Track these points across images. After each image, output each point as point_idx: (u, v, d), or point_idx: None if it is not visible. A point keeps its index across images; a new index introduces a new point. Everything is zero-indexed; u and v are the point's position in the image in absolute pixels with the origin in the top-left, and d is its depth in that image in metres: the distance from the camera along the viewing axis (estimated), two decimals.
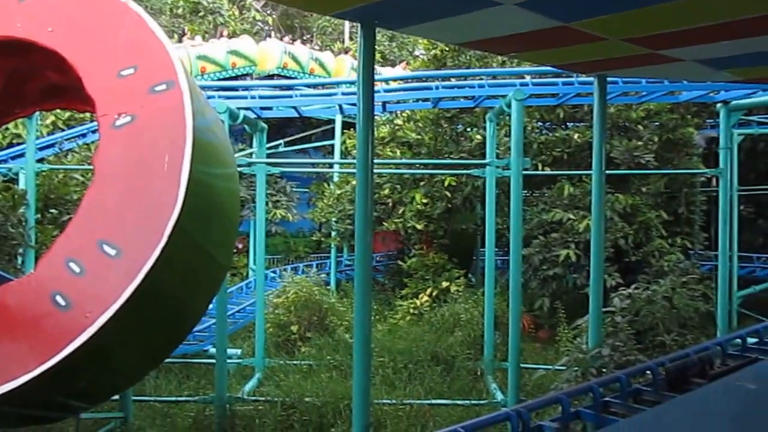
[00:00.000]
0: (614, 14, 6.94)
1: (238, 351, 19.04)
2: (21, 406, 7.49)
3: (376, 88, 13.05)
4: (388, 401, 14.40)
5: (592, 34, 7.62)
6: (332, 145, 31.22)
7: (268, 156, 24.23)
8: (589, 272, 11.47)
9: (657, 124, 22.68)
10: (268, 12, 47.62)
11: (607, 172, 13.03)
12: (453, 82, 20.30)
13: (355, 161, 8.51)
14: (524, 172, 15.11)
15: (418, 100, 20.91)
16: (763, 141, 28.49)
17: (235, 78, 32.34)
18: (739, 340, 9.35)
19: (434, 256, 24.06)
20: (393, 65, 40.33)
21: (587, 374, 10.63)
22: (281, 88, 24.19)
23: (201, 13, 40.65)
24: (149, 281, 6.92)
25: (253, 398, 14.98)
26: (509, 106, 15.27)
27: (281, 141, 33.66)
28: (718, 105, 18.43)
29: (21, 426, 10.74)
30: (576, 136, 22.41)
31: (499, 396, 15.18)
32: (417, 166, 23.93)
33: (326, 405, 13.82)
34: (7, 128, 22.48)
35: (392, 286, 25.99)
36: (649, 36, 7.83)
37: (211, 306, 13.02)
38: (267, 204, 23.39)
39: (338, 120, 29.46)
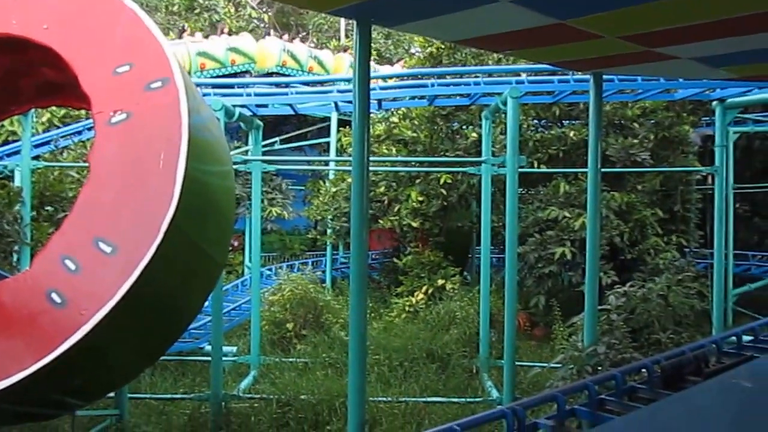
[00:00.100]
0: (610, 11, 6.94)
1: (234, 348, 19.05)
2: (17, 403, 7.49)
3: (371, 85, 13.05)
4: (384, 399, 14.39)
5: (588, 31, 7.62)
6: (328, 143, 31.21)
7: (264, 153, 24.21)
8: (585, 270, 11.49)
9: (653, 121, 22.72)
10: (264, 9, 47.58)
11: (603, 170, 13.02)
12: (449, 79, 20.28)
13: (350, 159, 8.50)
14: (520, 170, 15.09)
15: (413, 98, 20.90)
16: (758, 139, 28.55)
17: (234, 75, 32.36)
18: (734, 338, 9.36)
19: (430, 254, 24.06)
20: (391, 64, 40.35)
21: (583, 372, 10.64)
22: (277, 85, 24.15)
23: (197, 11, 40.62)
24: (145, 279, 6.91)
25: (249, 396, 14.97)
26: (505, 103, 15.26)
27: (277, 138, 33.70)
28: (714, 103, 18.46)
29: (17, 423, 10.75)
30: (572, 133, 22.43)
31: (495, 394, 15.17)
32: (413, 163, 23.94)
33: (322, 402, 13.82)
34: (2, 125, 22.45)
35: (388, 284, 25.99)
36: (645, 33, 7.83)
37: (206, 303, 13.01)
38: (262, 201, 23.45)
39: (334, 117, 29.45)
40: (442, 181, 23.20)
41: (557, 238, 20.10)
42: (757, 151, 29.43)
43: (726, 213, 20.05)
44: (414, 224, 23.85)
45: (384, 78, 25.06)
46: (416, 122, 24.79)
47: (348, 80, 21.18)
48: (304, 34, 45.34)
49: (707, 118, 24.80)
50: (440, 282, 22.58)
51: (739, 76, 11.12)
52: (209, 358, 15.26)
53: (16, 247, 16.17)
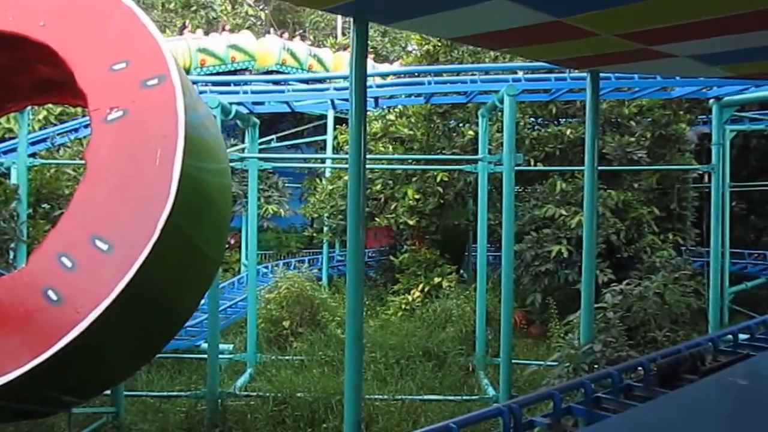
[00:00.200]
0: (607, 9, 6.93)
1: (230, 346, 19.06)
2: (13, 400, 7.48)
3: (368, 83, 13.05)
4: (380, 396, 14.39)
5: (585, 29, 7.61)
6: (324, 141, 31.24)
7: (261, 151, 24.22)
8: (581, 268, 11.47)
9: (649, 120, 22.74)
10: (261, 7, 47.56)
11: (600, 168, 13.06)
12: (445, 77, 20.30)
13: (347, 156, 8.50)
14: (516, 168, 15.10)
15: (410, 96, 20.93)
16: (755, 137, 28.60)
17: (235, 72, 32.36)
18: (730, 337, 9.35)
19: (426, 252, 24.08)
20: (388, 62, 40.34)
21: (579, 370, 10.63)
22: (274, 83, 24.15)
23: (193, 8, 40.59)
24: (141, 276, 6.91)
25: (245, 393, 14.97)
26: (502, 101, 15.26)
27: (273, 136, 33.71)
28: (711, 101, 18.45)
29: (13, 420, 10.76)
30: (568, 131, 22.45)
31: (491, 391, 15.19)
32: (409, 161, 23.95)
33: (318, 400, 13.82)
34: None
35: (384, 282, 26.04)
36: (642, 31, 7.83)
37: (203, 301, 13.00)
38: (259, 199, 23.40)
39: (330, 115, 29.44)
40: (438, 178, 23.21)
41: (554, 236, 20.11)
42: (753, 149, 29.47)
43: (722, 211, 20.08)
44: (410, 222, 23.86)
45: (382, 75, 25.03)
46: (413, 120, 24.82)
47: (344, 77, 21.16)
48: (301, 31, 45.29)
49: (704, 117, 24.85)
50: (437, 280, 22.60)
51: (735, 74, 11.12)
52: (206, 356, 15.26)
53: (12, 245, 16.18)
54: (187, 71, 30.20)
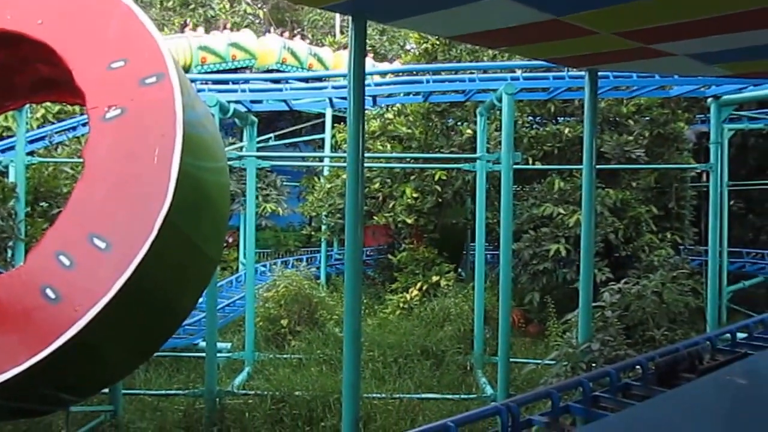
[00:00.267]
0: (606, 8, 6.93)
1: (228, 345, 19.05)
2: (10, 399, 7.48)
3: (366, 81, 13.03)
4: (378, 395, 14.39)
5: (583, 27, 7.61)
6: (322, 139, 31.24)
7: (259, 150, 24.21)
8: (579, 267, 11.46)
9: (647, 118, 22.74)
10: (259, 5, 47.54)
11: (598, 166, 13.06)
12: (444, 76, 20.29)
13: (345, 155, 8.48)
14: (515, 167, 15.10)
15: (408, 94, 20.91)
16: (753, 136, 28.62)
17: (235, 71, 32.36)
18: (728, 335, 9.36)
19: (424, 251, 24.06)
20: (386, 60, 40.34)
21: (577, 369, 10.64)
22: (272, 81, 24.14)
23: (191, 6, 40.56)
24: (139, 275, 6.91)
25: (243, 392, 14.97)
26: (500, 100, 15.26)
27: (271, 135, 33.71)
28: (709, 100, 18.44)
29: (11, 419, 10.76)
30: (567, 130, 22.44)
31: (489, 390, 15.19)
32: (407, 160, 23.94)
33: (316, 399, 13.82)
34: None
35: (382, 281, 26.02)
36: (640, 30, 7.83)
37: (201, 300, 13.00)
38: (257, 198, 23.38)
39: (328, 114, 29.46)
40: (436, 177, 23.19)
41: (552, 234, 20.12)
42: (751, 148, 29.49)
43: (720, 210, 20.09)
44: (408, 221, 23.85)
45: (381, 74, 25.02)
46: (411, 119, 24.80)
47: (343, 76, 21.13)
48: (300, 30, 45.27)
49: (702, 116, 24.84)
50: (435, 278, 22.59)
51: (734, 73, 11.12)
52: (203, 355, 15.25)
53: (10, 243, 16.19)
54: (188, 69, 30.25)
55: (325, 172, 28.88)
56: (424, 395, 14.70)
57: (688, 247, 23.49)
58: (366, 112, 17.16)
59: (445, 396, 14.83)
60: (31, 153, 19.59)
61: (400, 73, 22.20)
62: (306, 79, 25.70)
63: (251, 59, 33.66)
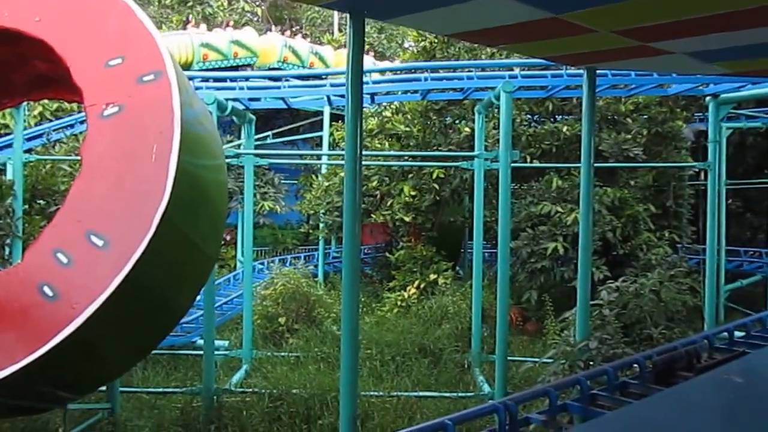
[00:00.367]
0: (604, 6, 6.92)
1: (226, 343, 19.05)
2: (8, 396, 7.47)
3: (365, 79, 13.03)
4: (376, 393, 14.40)
5: (582, 26, 7.60)
6: (320, 137, 31.18)
7: (257, 147, 24.18)
8: (577, 265, 11.47)
9: (646, 117, 22.74)
10: (257, 3, 47.48)
11: (596, 165, 13.03)
12: (442, 74, 20.28)
13: (343, 153, 8.48)
14: (513, 165, 15.09)
15: (407, 92, 20.88)
16: (751, 135, 28.62)
17: (237, 68, 32.33)
18: (726, 334, 9.37)
19: (422, 249, 24.05)
20: (384, 58, 40.31)
21: (574, 367, 10.64)
22: (270, 79, 24.11)
23: (189, 3, 40.53)
24: (136, 272, 6.91)
25: (241, 390, 14.97)
26: (498, 98, 15.26)
27: (269, 132, 33.65)
28: (707, 98, 18.42)
29: (9, 417, 10.74)
30: (565, 128, 22.42)
31: (487, 388, 15.20)
32: (405, 158, 23.90)
33: (313, 397, 13.83)
34: None
35: (380, 279, 26.02)
36: (639, 28, 7.82)
37: (198, 297, 13.00)
38: (255, 196, 23.38)
39: (326, 112, 29.41)
40: (434, 175, 23.18)
41: (550, 233, 20.12)
42: (749, 147, 29.51)
43: (718, 209, 20.05)
44: (406, 219, 23.82)
45: (380, 72, 24.99)
46: (409, 116, 24.75)
47: (341, 73, 21.11)
48: (298, 27, 45.21)
49: (700, 114, 24.83)
50: (432, 277, 22.58)
51: (732, 72, 11.13)
52: (201, 352, 15.26)
53: (8, 241, 16.16)
54: (190, 65, 30.25)
55: (323, 170, 28.85)
56: (421, 393, 14.70)
57: (685, 245, 23.48)
58: (364, 110, 17.13)
59: (443, 394, 14.83)
60: (28, 150, 19.55)
61: (399, 71, 22.18)
62: (304, 77, 25.63)
63: (253, 57, 33.64)
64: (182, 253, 8.38)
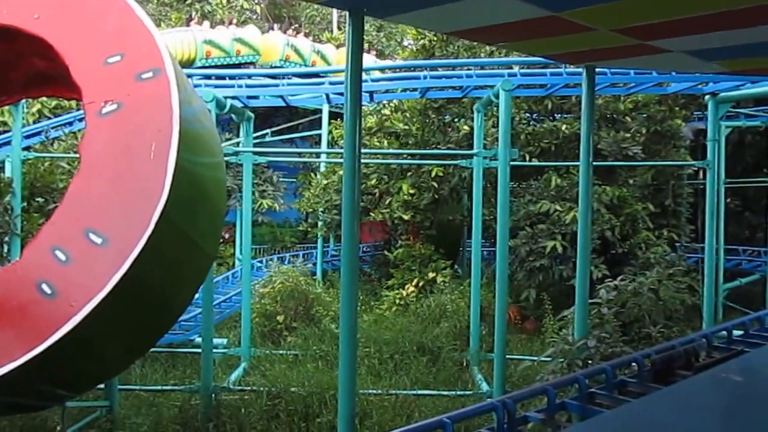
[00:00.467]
0: (603, 4, 6.92)
1: (224, 341, 19.03)
2: (6, 394, 7.47)
3: (363, 77, 13.02)
4: (374, 391, 14.40)
5: (581, 24, 7.60)
6: (319, 135, 31.22)
7: (255, 145, 24.17)
8: (576, 263, 11.47)
9: (645, 115, 22.75)
10: (256, 1, 47.44)
11: (595, 163, 13.03)
12: (441, 72, 20.25)
13: (342, 151, 8.48)
14: (512, 163, 15.07)
15: (405, 90, 20.86)
16: (750, 134, 28.65)
17: (239, 66, 32.35)
18: (724, 333, 9.38)
19: (421, 247, 24.04)
20: (393, 59, 40.29)
21: (573, 365, 10.65)
22: (269, 77, 24.09)
23: (188, 1, 40.51)
24: (135, 270, 6.90)
25: (239, 388, 14.96)
26: (497, 96, 15.25)
27: (268, 130, 33.63)
28: (707, 97, 18.41)
29: (7, 414, 10.74)
30: (564, 127, 22.43)
31: (485, 387, 15.20)
32: (404, 156, 23.90)
33: (312, 395, 13.82)
34: None
35: (379, 277, 26.02)
36: (638, 26, 7.82)
37: (197, 295, 13.00)
38: (253, 193, 23.40)
39: (325, 110, 29.43)
40: (433, 173, 23.17)
41: (548, 231, 20.12)
42: (748, 145, 29.52)
43: (717, 207, 20.09)
44: (405, 217, 23.81)
45: (379, 69, 24.98)
46: (408, 115, 24.74)
47: (339, 71, 21.09)
48: (297, 25, 45.19)
49: (699, 113, 24.85)
50: (431, 275, 22.58)
51: (731, 70, 11.15)
52: (200, 350, 15.23)
53: (6, 238, 16.17)
54: (192, 62, 30.29)
55: (322, 168, 28.83)
56: (420, 391, 14.69)
57: (684, 244, 23.50)
58: (363, 108, 17.14)
59: (441, 392, 14.82)
60: (27, 148, 19.52)
61: (398, 69, 22.17)
62: (303, 75, 25.62)
63: (255, 55, 33.68)
64: (181, 250, 8.38)
